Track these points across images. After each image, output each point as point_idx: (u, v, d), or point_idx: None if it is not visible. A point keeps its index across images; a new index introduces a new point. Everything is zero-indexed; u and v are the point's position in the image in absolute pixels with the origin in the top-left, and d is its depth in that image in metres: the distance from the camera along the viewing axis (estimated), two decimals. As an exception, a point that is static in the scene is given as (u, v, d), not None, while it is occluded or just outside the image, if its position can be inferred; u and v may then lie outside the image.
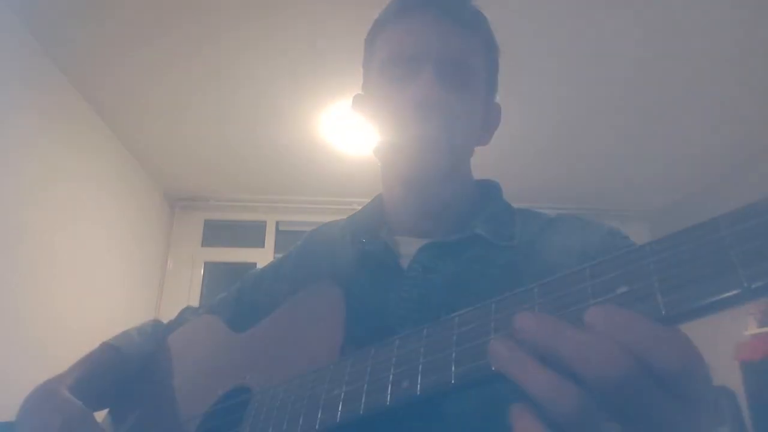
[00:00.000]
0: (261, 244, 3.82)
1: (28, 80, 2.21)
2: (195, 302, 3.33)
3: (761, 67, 2.39)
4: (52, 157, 2.39)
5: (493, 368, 0.32)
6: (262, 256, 3.72)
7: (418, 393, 0.38)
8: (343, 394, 0.44)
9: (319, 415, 0.45)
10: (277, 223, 3.89)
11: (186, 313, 0.90)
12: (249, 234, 3.89)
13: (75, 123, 2.58)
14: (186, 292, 3.58)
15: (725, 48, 2.28)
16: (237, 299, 0.83)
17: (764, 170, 3.08)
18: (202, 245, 3.82)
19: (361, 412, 0.41)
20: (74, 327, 2.43)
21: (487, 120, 0.74)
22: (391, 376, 0.41)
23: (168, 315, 0.94)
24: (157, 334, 0.84)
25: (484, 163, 0.80)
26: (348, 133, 2.87)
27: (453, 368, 0.36)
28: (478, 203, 0.73)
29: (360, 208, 0.80)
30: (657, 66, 2.41)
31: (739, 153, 3.12)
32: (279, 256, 0.87)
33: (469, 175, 0.75)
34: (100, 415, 0.78)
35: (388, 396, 0.40)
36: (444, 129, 0.65)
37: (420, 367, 0.39)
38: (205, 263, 3.78)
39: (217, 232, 3.89)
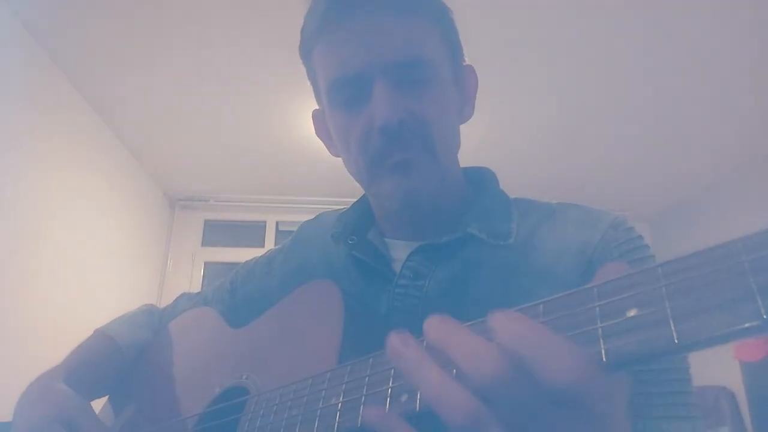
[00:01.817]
0: (261, 244, 3.81)
1: (28, 80, 2.20)
2: (195, 302, 3.32)
3: (761, 68, 2.38)
4: (51, 157, 2.39)
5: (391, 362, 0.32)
6: (262, 256, 3.72)
7: (417, 408, 0.37)
8: (340, 404, 0.43)
9: (315, 425, 0.45)
10: (277, 223, 3.88)
11: (182, 301, 0.89)
12: (249, 234, 3.88)
13: (75, 123, 2.57)
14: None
15: (725, 48, 2.27)
16: (230, 291, 0.81)
17: (764, 170, 3.08)
18: (202, 245, 3.81)
19: (359, 425, 0.41)
20: (74, 327, 2.42)
21: (463, 91, 0.66)
22: (389, 389, 0.40)
23: (166, 317, 0.93)
24: (152, 323, 0.83)
25: (484, 161, 0.75)
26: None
27: None
28: (471, 196, 0.67)
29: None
30: (658, 66, 2.40)
31: (739, 153, 3.11)
32: (272, 249, 0.84)
33: (456, 166, 0.67)
34: (99, 403, 0.77)
35: (386, 410, 0.39)
36: (421, 144, 0.58)
37: None
38: (205, 263, 3.77)
39: (217, 232, 3.88)
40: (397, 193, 0.59)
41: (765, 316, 0.23)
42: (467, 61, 0.68)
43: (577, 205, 0.64)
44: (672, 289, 0.27)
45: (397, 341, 0.32)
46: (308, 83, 0.69)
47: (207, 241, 3.83)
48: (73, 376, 0.68)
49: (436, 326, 0.31)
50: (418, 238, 0.64)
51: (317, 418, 0.44)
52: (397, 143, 0.57)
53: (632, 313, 0.28)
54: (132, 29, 2.16)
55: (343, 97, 0.60)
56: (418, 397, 0.37)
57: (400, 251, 0.65)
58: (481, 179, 0.70)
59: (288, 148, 3.09)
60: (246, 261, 0.86)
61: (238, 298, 0.79)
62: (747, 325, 0.23)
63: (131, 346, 0.78)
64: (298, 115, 2.75)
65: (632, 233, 0.58)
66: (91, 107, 2.66)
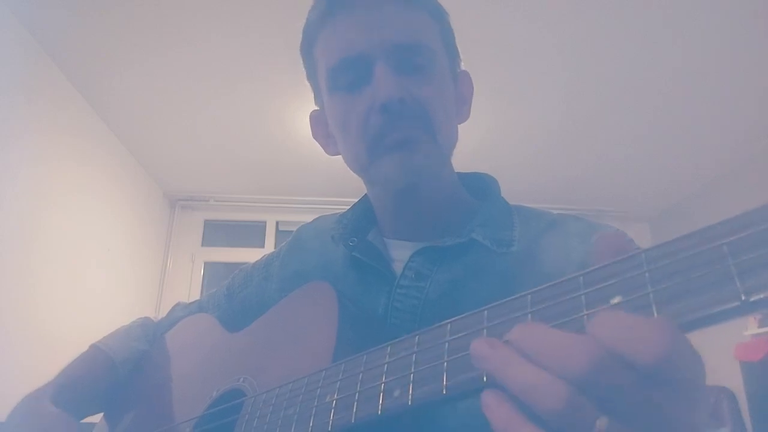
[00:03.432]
0: (261, 244, 3.82)
1: (28, 81, 2.21)
2: (194, 302, 3.33)
3: (761, 68, 2.38)
4: (51, 158, 2.39)
5: (476, 367, 0.31)
6: (262, 257, 3.72)
7: (410, 403, 0.37)
8: (334, 402, 0.44)
9: (311, 423, 0.45)
10: (277, 223, 3.88)
11: (177, 311, 0.88)
12: (249, 234, 3.89)
13: (75, 123, 2.57)
14: (186, 292, 3.57)
15: (726, 49, 2.27)
16: (227, 296, 0.81)
17: (764, 170, 3.07)
18: (202, 245, 3.81)
19: (353, 421, 0.41)
20: (74, 327, 2.43)
21: (461, 93, 0.68)
22: (382, 385, 0.40)
23: (168, 316, 0.93)
24: (147, 335, 0.83)
25: (484, 162, 0.76)
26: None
27: (444, 379, 0.35)
28: (471, 201, 0.68)
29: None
30: (658, 66, 2.40)
31: (738, 153, 3.11)
32: (270, 253, 0.84)
33: (451, 166, 0.68)
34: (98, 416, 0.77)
35: (380, 405, 0.39)
36: (422, 125, 0.58)
37: (411, 376, 0.38)
38: (205, 263, 3.78)
39: (217, 232, 3.89)
40: (399, 171, 0.59)
41: (744, 298, 0.23)
42: (468, 63, 0.70)
43: (578, 217, 0.64)
44: (654, 274, 0.27)
45: (483, 344, 0.31)
46: (308, 83, 0.70)
47: (207, 241, 3.83)
48: (66, 393, 0.68)
49: (521, 329, 0.30)
50: (417, 238, 0.64)
51: (312, 416, 0.45)
52: (398, 121, 0.57)
53: (616, 300, 0.28)
54: (132, 29, 2.16)
55: (345, 80, 0.61)
56: (410, 392, 0.37)
57: (399, 251, 0.65)
58: (483, 185, 0.70)
59: (288, 148, 3.09)
60: (243, 266, 0.85)
61: (235, 302, 0.79)
62: (727, 306, 0.23)
63: (126, 360, 0.77)
64: (298, 115, 2.75)
65: (632, 245, 0.58)
66: (90, 107, 2.67)
